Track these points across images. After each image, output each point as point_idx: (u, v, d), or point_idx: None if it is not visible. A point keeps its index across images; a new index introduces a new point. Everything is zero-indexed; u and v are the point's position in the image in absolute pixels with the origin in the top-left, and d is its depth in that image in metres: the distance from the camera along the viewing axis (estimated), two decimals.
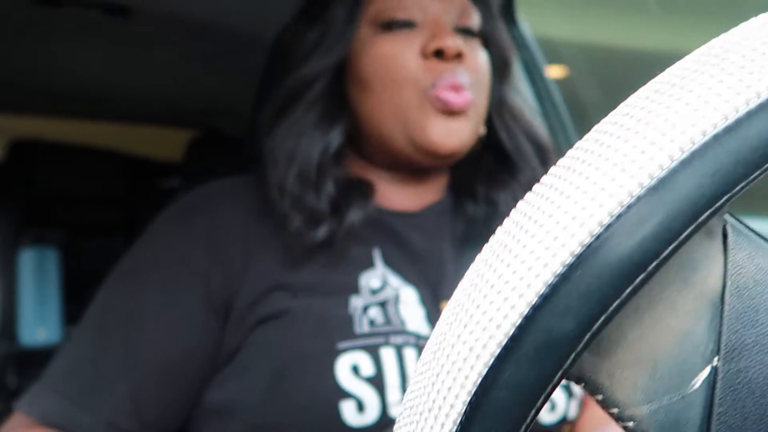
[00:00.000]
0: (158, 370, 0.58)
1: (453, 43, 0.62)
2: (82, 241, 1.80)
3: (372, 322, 0.59)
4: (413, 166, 0.66)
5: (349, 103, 0.66)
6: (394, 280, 0.63)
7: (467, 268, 0.21)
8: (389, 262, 0.64)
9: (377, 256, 0.64)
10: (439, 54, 0.62)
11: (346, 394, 0.55)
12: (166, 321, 0.59)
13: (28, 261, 1.68)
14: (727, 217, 0.20)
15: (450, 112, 0.61)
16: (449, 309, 0.20)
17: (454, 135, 0.62)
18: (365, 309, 0.60)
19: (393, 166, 0.67)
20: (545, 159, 0.71)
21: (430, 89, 0.61)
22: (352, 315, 0.59)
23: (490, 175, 0.71)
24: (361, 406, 0.55)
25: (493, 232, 0.21)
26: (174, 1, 1.22)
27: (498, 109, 0.71)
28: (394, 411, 0.56)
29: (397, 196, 0.68)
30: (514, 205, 0.21)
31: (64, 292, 1.74)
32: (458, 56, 0.63)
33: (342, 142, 0.65)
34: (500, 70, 0.71)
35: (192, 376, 0.59)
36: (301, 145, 0.64)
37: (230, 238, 0.62)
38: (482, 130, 0.69)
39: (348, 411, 0.54)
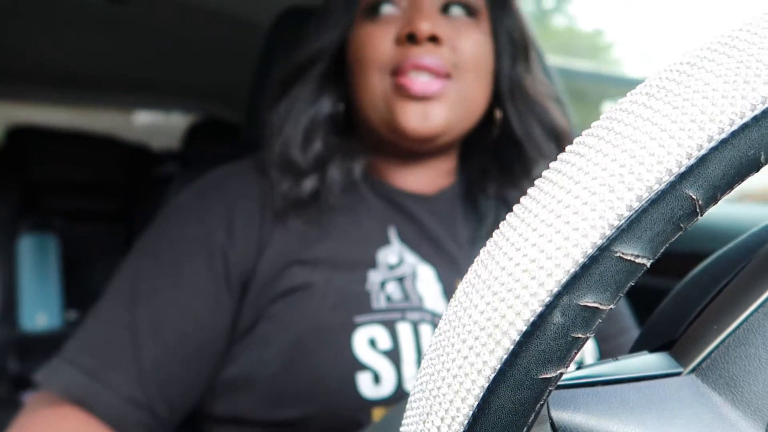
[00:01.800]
0: (177, 347, 0.58)
1: (426, 26, 0.60)
2: (81, 227, 1.81)
3: (389, 298, 0.60)
4: (402, 151, 0.67)
5: (345, 87, 0.68)
6: (410, 257, 0.64)
7: (480, 249, 0.22)
8: (405, 240, 0.65)
9: (393, 233, 0.65)
10: (412, 38, 0.61)
11: (362, 366, 0.55)
12: (185, 299, 0.59)
13: (27, 247, 1.69)
14: None
15: (415, 97, 0.61)
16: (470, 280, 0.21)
17: (425, 119, 0.61)
18: (383, 284, 0.61)
19: (388, 150, 0.68)
20: (561, 146, 0.69)
21: (396, 74, 0.61)
22: (370, 291, 0.60)
23: (503, 171, 0.70)
24: (377, 378, 0.55)
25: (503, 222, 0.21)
26: None
27: (510, 93, 0.69)
28: (409, 384, 0.56)
29: (408, 177, 0.69)
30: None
31: (64, 277, 1.75)
32: (433, 39, 0.61)
33: (332, 110, 0.67)
34: (510, 53, 0.69)
35: (210, 351, 0.60)
36: (291, 113, 0.66)
37: (248, 216, 0.63)
38: (498, 114, 0.69)
39: (364, 382, 0.55)
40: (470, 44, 0.64)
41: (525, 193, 0.21)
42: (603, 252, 0.18)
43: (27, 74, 1.78)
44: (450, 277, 0.64)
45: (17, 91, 1.97)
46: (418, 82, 0.60)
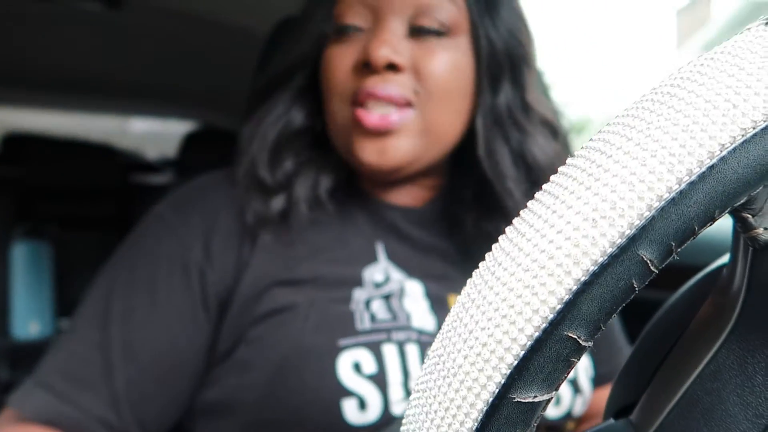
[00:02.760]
0: (151, 367, 0.57)
1: (383, 52, 0.56)
2: (75, 235, 1.80)
3: (374, 318, 0.58)
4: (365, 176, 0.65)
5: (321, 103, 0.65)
6: (397, 274, 0.62)
7: (471, 261, 0.22)
8: (392, 256, 0.63)
9: (380, 250, 0.63)
10: (367, 66, 0.57)
11: (347, 392, 0.54)
12: (160, 319, 0.58)
13: (20, 254, 1.67)
14: None
15: (370, 132, 0.57)
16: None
17: (383, 154, 0.58)
18: (368, 303, 0.59)
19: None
20: (536, 180, 0.63)
21: (354, 103, 0.58)
22: (354, 311, 0.58)
23: (477, 201, 0.65)
24: (363, 404, 0.54)
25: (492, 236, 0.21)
26: None
27: (486, 117, 0.62)
28: (396, 409, 0.55)
29: (394, 193, 0.66)
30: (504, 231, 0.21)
31: (57, 285, 1.74)
32: (391, 67, 0.57)
33: (303, 123, 0.64)
34: (493, 72, 0.61)
35: (187, 373, 0.58)
36: (260, 128, 0.63)
37: (227, 234, 0.60)
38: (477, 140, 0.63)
39: (350, 409, 0.53)
40: (439, 67, 0.58)
41: (501, 230, 0.21)
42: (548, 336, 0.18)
43: (24, 79, 1.77)
44: (439, 292, 0.62)
45: (13, 96, 1.96)
46: (374, 115, 0.57)
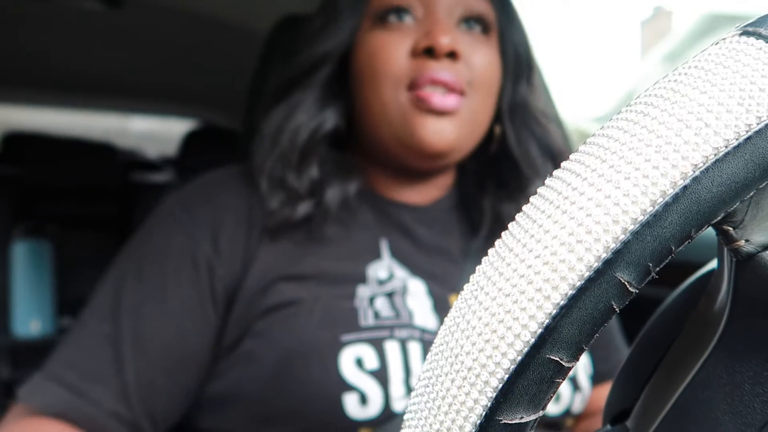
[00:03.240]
0: (161, 361, 0.57)
1: (446, 40, 0.58)
2: (76, 233, 1.80)
3: (377, 315, 0.58)
4: (407, 167, 0.65)
5: (349, 96, 0.65)
6: (401, 272, 0.62)
7: (475, 261, 0.22)
8: (396, 254, 0.64)
9: (384, 246, 0.64)
10: (430, 52, 0.59)
11: (349, 387, 0.54)
12: (169, 312, 0.58)
13: (21, 253, 1.68)
14: None
15: (434, 111, 0.59)
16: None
17: (441, 135, 0.60)
18: (372, 300, 0.59)
19: (389, 165, 0.66)
20: (557, 165, 0.68)
21: (413, 87, 0.59)
22: (358, 307, 0.58)
23: (499, 186, 0.69)
24: (364, 399, 0.54)
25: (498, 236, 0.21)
26: None
27: (510, 111, 0.68)
28: (396, 405, 0.55)
29: (402, 190, 0.67)
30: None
31: (58, 284, 1.74)
32: (451, 55, 0.60)
33: (335, 125, 0.64)
34: (514, 70, 0.67)
35: (195, 366, 0.59)
36: (290, 123, 0.63)
37: (235, 229, 0.61)
38: (497, 130, 0.68)
39: (351, 404, 0.54)
40: (484, 61, 0.63)
41: (520, 209, 0.21)
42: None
43: (24, 78, 1.78)
44: (441, 291, 0.63)
45: (13, 95, 1.96)
46: (437, 95, 0.59)
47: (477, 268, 0.21)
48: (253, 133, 0.67)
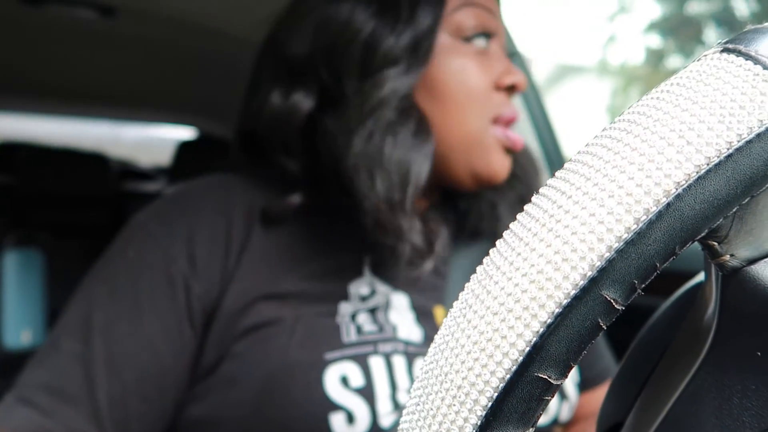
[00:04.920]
0: (136, 384, 0.55)
1: (523, 80, 0.62)
2: (68, 243, 1.79)
3: (360, 330, 0.57)
4: (448, 188, 0.66)
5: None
6: (383, 287, 0.62)
7: (458, 272, 0.22)
8: (378, 269, 0.62)
9: (367, 263, 0.63)
10: (512, 90, 0.62)
11: (335, 406, 0.53)
12: (144, 331, 0.56)
13: (12, 263, 1.67)
14: None
15: (511, 150, 0.62)
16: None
17: (506, 169, 0.63)
18: (354, 316, 0.58)
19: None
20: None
21: (495, 123, 0.61)
22: (340, 323, 0.57)
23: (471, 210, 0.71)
24: (351, 418, 0.53)
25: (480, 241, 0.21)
26: (162, 2, 1.21)
27: None
28: (384, 421, 0.54)
29: None
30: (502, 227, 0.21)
31: (49, 294, 1.73)
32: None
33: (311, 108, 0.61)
34: None
35: (172, 389, 0.57)
36: (410, 158, 0.57)
37: (212, 245, 0.59)
38: None
39: (338, 423, 0.53)
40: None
41: (498, 219, 0.22)
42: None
43: (17, 87, 1.77)
44: (424, 303, 0.62)
45: (5, 103, 1.96)
46: (519, 138, 0.62)
47: (466, 285, 0.21)
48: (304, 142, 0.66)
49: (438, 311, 0.63)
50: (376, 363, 0.56)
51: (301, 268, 0.60)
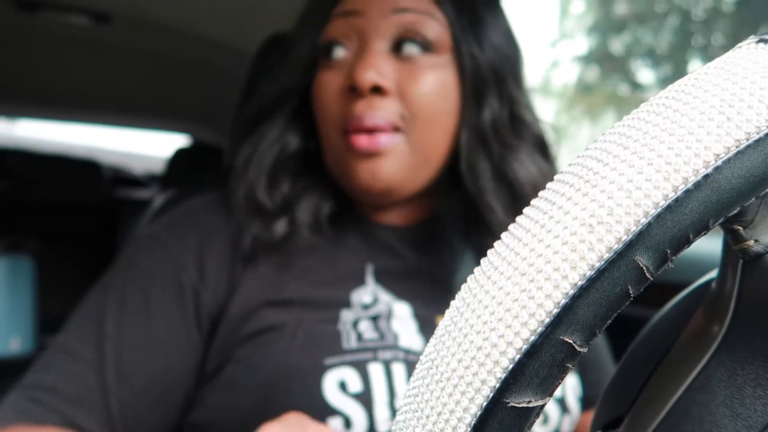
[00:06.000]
0: (145, 391, 0.56)
1: (369, 75, 0.56)
2: (58, 249, 1.78)
3: (360, 337, 0.57)
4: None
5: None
6: (385, 296, 0.61)
7: (459, 282, 0.22)
8: (381, 278, 0.62)
9: (369, 271, 0.62)
10: (354, 90, 0.57)
11: (333, 411, 0.53)
12: (154, 339, 0.57)
13: (1, 269, 1.65)
14: None
15: (361, 154, 0.58)
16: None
17: (374, 175, 0.58)
18: (355, 323, 0.58)
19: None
20: (518, 197, 0.61)
21: (345, 134, 0.59)
22: (341, 330, 0.57)
23: (465, 217, 0.65)
24: (348, 423, 0.53)
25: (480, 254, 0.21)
26: (157, 10, 1.22)
27: (470, 136, 0.61)
28: (381, 427, 0.54)
29: (386, 212, 0.66)
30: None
31: (39, 301, 1.72)
32: (377, 90, 0.57)
33: (299, 146, 0.64)
34: (477, 88, 0.61)
35: (179, 394, 0.58)
36: (256, 153, 0.63)
37: (220, 255, 0.60)
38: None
39: (335, 428, 0.53)
40: (425, 89, 0.58)
41: (488, 248, 0.21)
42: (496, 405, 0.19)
43: (10, 92, 1.76)
44: (427, 313, 0.62)
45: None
46: (363, 138, 0.57)
47: (489, 251, 0.20)
48: (238, 151, 0.67)
49: (440, 321, 0.63)
50: (375, 370, 0.56)
51: (304, 276, 0.61)
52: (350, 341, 0.57)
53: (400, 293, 0.62)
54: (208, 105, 1.75)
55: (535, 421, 0.19)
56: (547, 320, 0.18)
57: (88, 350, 0.56)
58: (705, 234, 0.18)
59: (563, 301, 0.18)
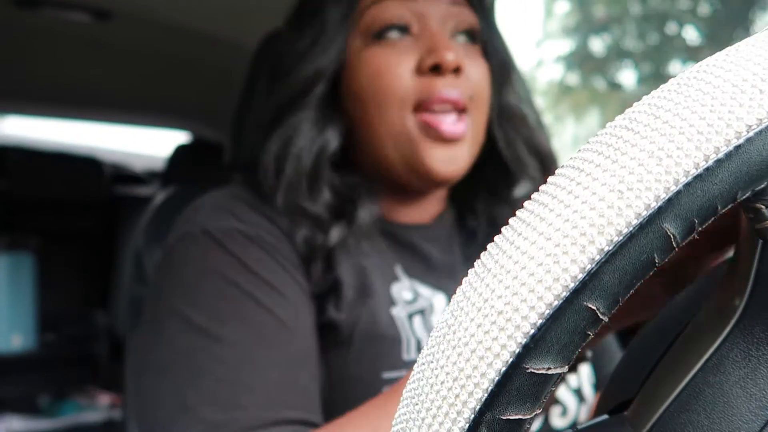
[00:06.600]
0: (300, 357, 0.54)
1: (452, 56, 0.57)
2: (59, 247, 1.78)
3: (419, 344, 0.57)
4: (410, 189, 0.63)
5: (345, 115, 0.62)
6: (425, 290, 0.62)
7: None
8: (412, 275, 0.62)
9: (399, 270, 0.62)
10: (437, 69, 0.57)
11: None
12: (301, 319, 0.55)
13: (2, 267, 1.66)
14: None
15: (444, 139, 0.57)
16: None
17: (452, 163, 0.58)
18: (410, 318, 0.58)
19: (390, 186, 0.63)
20: (547, 168, 0.68)
21: (419, 109, 0.57)
22: (400, 333, 0.57)
23: (490, 189, 0.69)
24: None
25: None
26: (157, 7, 1.22)
27: (498, 117, 0.66)
28: None
29: (405, 210, 0.66)
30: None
31: (40, 298, 1.72)
32: (456, 70, 0.58)
33: (338, 145, 0.61)
34: (499, 77, 0.66)
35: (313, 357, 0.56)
36: (291, 149, 0.59)
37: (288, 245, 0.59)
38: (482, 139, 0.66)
39: None
40: (480, 73, 0.62)
41: (512, 211, 0.21)
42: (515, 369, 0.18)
43: (10, 89, 1.77)
44: None
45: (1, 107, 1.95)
46: (446, 122, 0.57)
47: (511, 218, 0.20)
48: (240, 147, 0.65)
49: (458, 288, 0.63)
50: None
51: (341, 278, 0.59)
52: (410, 351, 0.57)
53: (435, 285, 0.63)
54: (209, 102, 1.75)
55: (552, 391, 0.18)
56: (572, 285, 0.18)
57: (241, 343, 0.53)
58: (732, 206, 0.18)
59: (589, 267, 0.18)
